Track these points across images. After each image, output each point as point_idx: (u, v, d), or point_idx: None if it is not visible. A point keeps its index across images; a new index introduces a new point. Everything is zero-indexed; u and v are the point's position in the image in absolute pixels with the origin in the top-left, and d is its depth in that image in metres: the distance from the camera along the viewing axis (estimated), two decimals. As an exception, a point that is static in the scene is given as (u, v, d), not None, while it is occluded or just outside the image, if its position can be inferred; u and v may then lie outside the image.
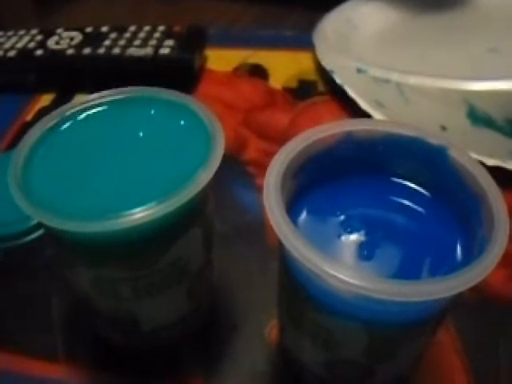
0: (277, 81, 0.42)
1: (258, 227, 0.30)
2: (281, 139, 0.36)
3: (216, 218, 0.29)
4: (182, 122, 0.22)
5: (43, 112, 0.40)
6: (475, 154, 0.33)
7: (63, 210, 0.18)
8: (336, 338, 0.18)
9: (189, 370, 0.24)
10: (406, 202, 0.21)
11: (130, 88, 0.23)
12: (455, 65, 0.42)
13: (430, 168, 0.20)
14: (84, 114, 0.23)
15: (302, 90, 0.41)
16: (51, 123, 0.22)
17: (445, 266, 0.19)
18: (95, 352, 0.25)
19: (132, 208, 0.17)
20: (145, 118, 0.22)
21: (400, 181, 0.21)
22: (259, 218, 0.30)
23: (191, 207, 0.19)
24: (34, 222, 0.28)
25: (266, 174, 0.18)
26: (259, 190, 0.32)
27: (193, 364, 0.24)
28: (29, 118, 0.39)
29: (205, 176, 0.19)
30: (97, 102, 0.23)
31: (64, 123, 0.22)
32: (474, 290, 0.27)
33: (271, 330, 0.25)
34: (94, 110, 0.23)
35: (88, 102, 0.23)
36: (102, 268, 0.20)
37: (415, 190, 0.21)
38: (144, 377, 0.24)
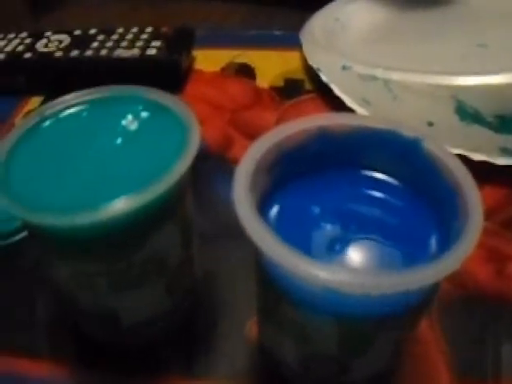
0: (264, 80, 0.42)
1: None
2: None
3: (202, 216, 0.29)
4: (160, 120, 0.22)
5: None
6: (462, 150, 0.33)
7: (42, 205, 0.18)
8: (309, 332, 0.19)
9: (169, 367, 0.24)
10: (381, 195, 0.21)
11: (109, 87, 0.23)
12: (444, 60, 0.42)
13: (404, 160, 0.20)
14: (64, 113, 0.23)
15: (288, 89, 0.41)
16: (32, 123, 0.22)
17: (420, 258, 0.19)
18: (79, 350, 0.25)
19: (109, 201, 0.18)
20: (123, 116, 0.23)
21: (375, 174, 0.21)
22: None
23: (168, 200, 0.20)
24: (19, 223, 0.28)
25: (236, 171, 0.18)
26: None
27: (173, 361, 0.24)
28: (18, 120, 0.39)
29: (180, 168, 0.19)
30: (76, 100, 0.23)
31: (44, 122, 0.22)
32: (461, 286, 0.27)
33: (252, 327, 0.25)
34: (73, 109, 0.23)
35: (68, 101, 0.23)
36: (79, 263, 0.20)
37: (390, 182, 0.21)
38: (124, 374, 0.24)
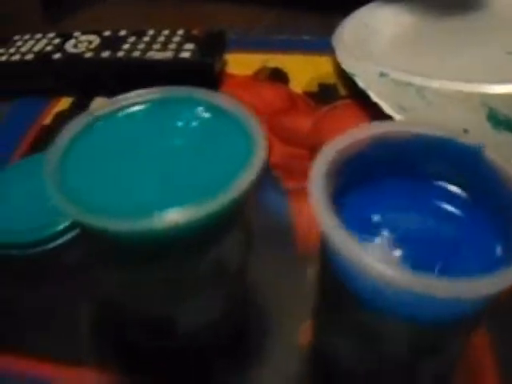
0: (297, 85, 0.41)
1: (285, 230, 0.29)
2: (304, 143, 0.36)
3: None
4: (220, 124, 0.22)
5: (61, 116, 0.39)
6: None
7: (103, 209, 0.17)
8: (378, 335, 0.18)
9: (219, 374, 0.24)
10: (442, 203, 0.20)
11: (166, 88, 0.23)
12: (474, 68, 0.42)
13: (465, 169, 0.20)
14: (120, 113, 0.22)
15: (322, 94, 0.40)
16: (84, 122, 0.21)
17: (484, 267, 0.19)
18: (122, 356, 0.24)
19: (175, 207, 0.17)
20: (182, 118, 0.22)
21: (436, 182, 0.21)
22: (285, 221, 0.30)
23: (234, 209, 0.19)
24: (61, 227, 0.28)
25: (311, 174, 0.18)
26: (285, 193, 0.32)
27: (223, 369, 0.24)
28: (47, 121, 0.39)
29: (247, 178, 0.18)
30: (132, 100, 0.22)
31: (98, 122, 0.22)
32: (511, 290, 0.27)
33: (302, 334, 0.25)
34: (130, 109, 0.22)
35: (123, 100, 0.22)
36: (137, 270, 0.20)
37: (451, 191, 0.21)
38: (172, 381, 0.23)
